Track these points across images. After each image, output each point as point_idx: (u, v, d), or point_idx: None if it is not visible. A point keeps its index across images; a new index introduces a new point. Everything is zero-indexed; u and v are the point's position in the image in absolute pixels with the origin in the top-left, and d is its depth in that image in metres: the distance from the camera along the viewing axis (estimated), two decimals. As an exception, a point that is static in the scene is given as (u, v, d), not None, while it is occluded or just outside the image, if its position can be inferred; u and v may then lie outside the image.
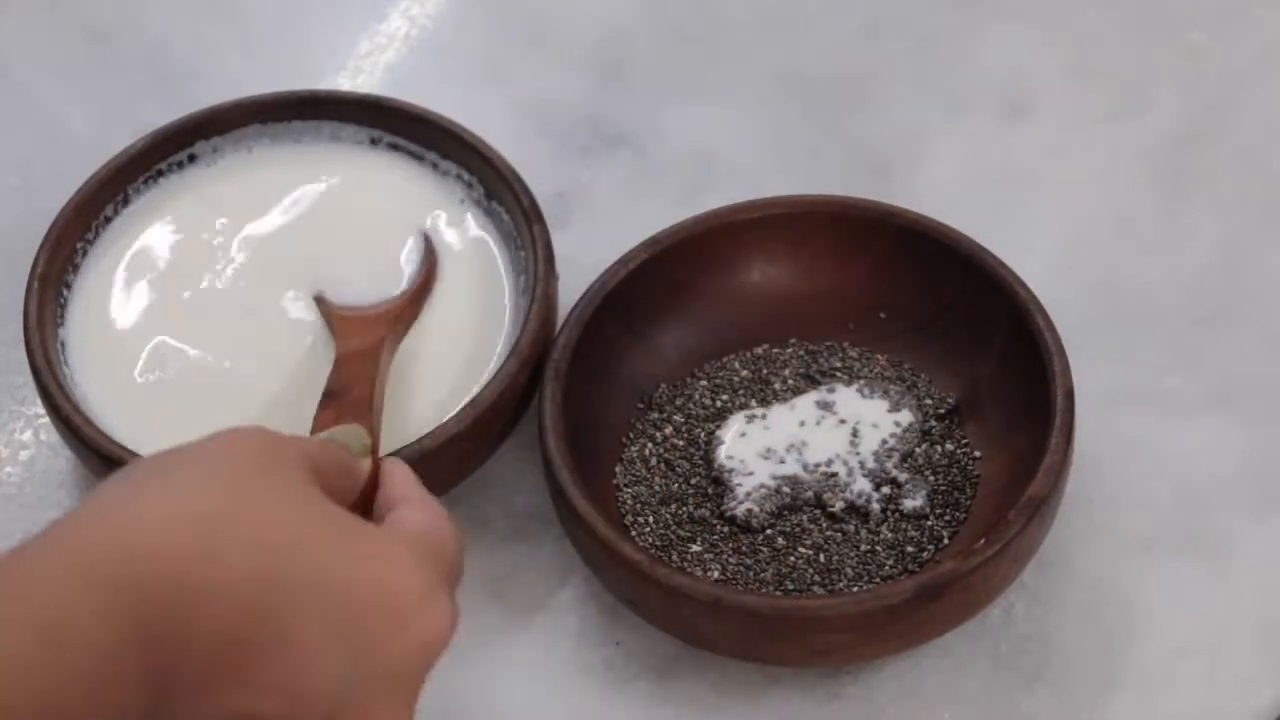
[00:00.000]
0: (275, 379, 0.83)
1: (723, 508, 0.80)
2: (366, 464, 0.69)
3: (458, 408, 0.79)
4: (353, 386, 0.77)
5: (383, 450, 0.77)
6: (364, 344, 0.80)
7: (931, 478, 0.80)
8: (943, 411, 0.82)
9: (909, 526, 0.79)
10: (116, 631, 0.55)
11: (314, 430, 0.75)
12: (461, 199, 0.87)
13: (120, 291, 0.85)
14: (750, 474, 0.80)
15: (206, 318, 0.85)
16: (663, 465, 0.82)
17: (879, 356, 0.84)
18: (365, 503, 0.68)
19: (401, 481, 0.68)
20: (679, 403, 0.83)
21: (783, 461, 0.81)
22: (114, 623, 0.55)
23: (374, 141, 0.88)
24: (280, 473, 0.60)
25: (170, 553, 0.56)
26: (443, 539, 0.63)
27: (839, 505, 0.79)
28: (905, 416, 0.82)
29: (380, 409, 0.76)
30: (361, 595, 0.59)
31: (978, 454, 0.81)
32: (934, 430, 0.82)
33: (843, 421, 0.82)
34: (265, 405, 0.82)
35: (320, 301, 0.84)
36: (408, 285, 0.84)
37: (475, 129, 0.87)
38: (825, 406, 0.82)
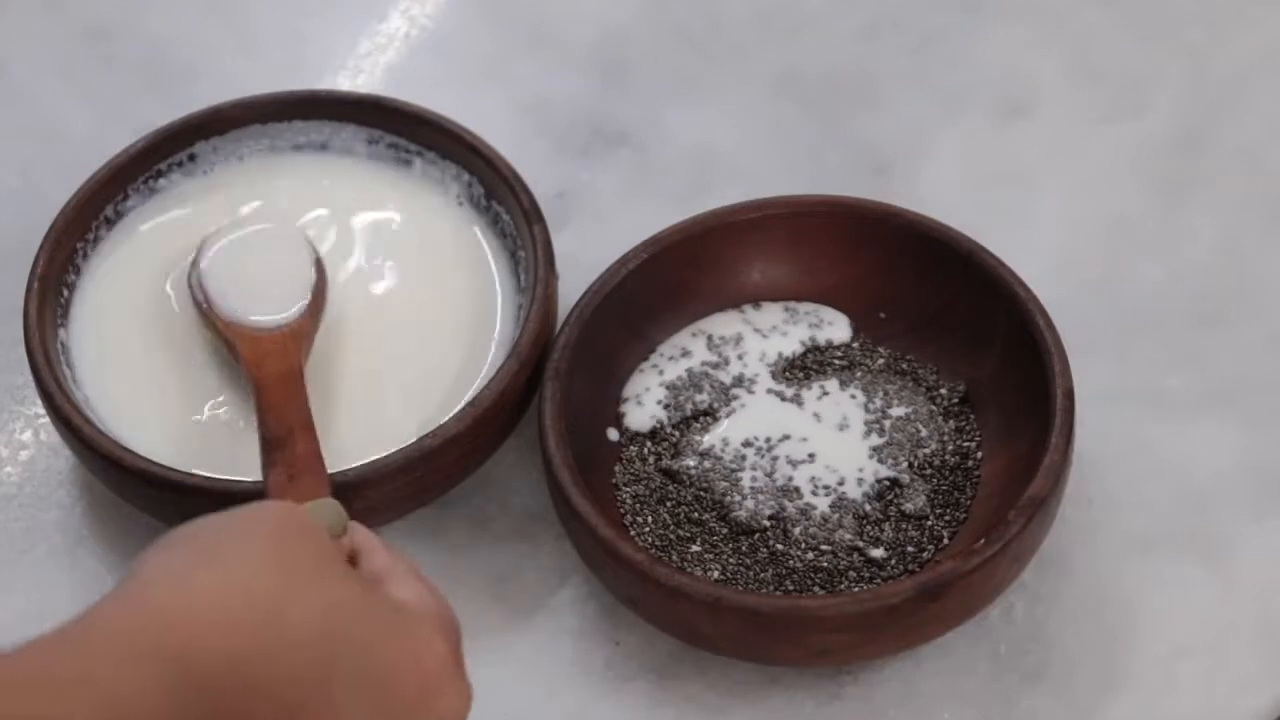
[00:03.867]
0: (275, 379, 0.83)
1: (724, 509, 0.80)
2: (346, 542, 0.68)
3: (457, 408, 0.80)
4: (294, 436, 0.76)
5: (379, 451, 0.78)
6: (285, 370, 0.79)
7: (932, 478, 0.80)
8: (954, 401, 0.82)
9: (909, 526, 0.79)
10: (178, 708, 0.55)
11: (271, 495, 0.74)
12: (461, 199, 0.87)
13: (120, 291, 0.85)
14: (748, 472, 0.81)
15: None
16: (661, 466, 0.82)
17: (880, 349, 0.84)
18: None
19: (377, 552, 0.68)
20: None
21: (785, 462, 0.81)
22: (176, 700, 0.55)
23: (374, 141, 0.88)
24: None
25: (228, 628, 0.57)
26: (447, 612, 0.65)
27: (838, 505, 0.79)
28: (906, 412, 0.82)
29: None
30: (401, 673, 0.60)
31: (980, 454, 0.81)
32: (944, 428, 0.81)
33: (842, 420, 0.82)
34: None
35: (209, 309, 0.82)
36: (305, 301, 0.82)
37: (475, 129, 0.87)
38: (825, 404, 0.82)
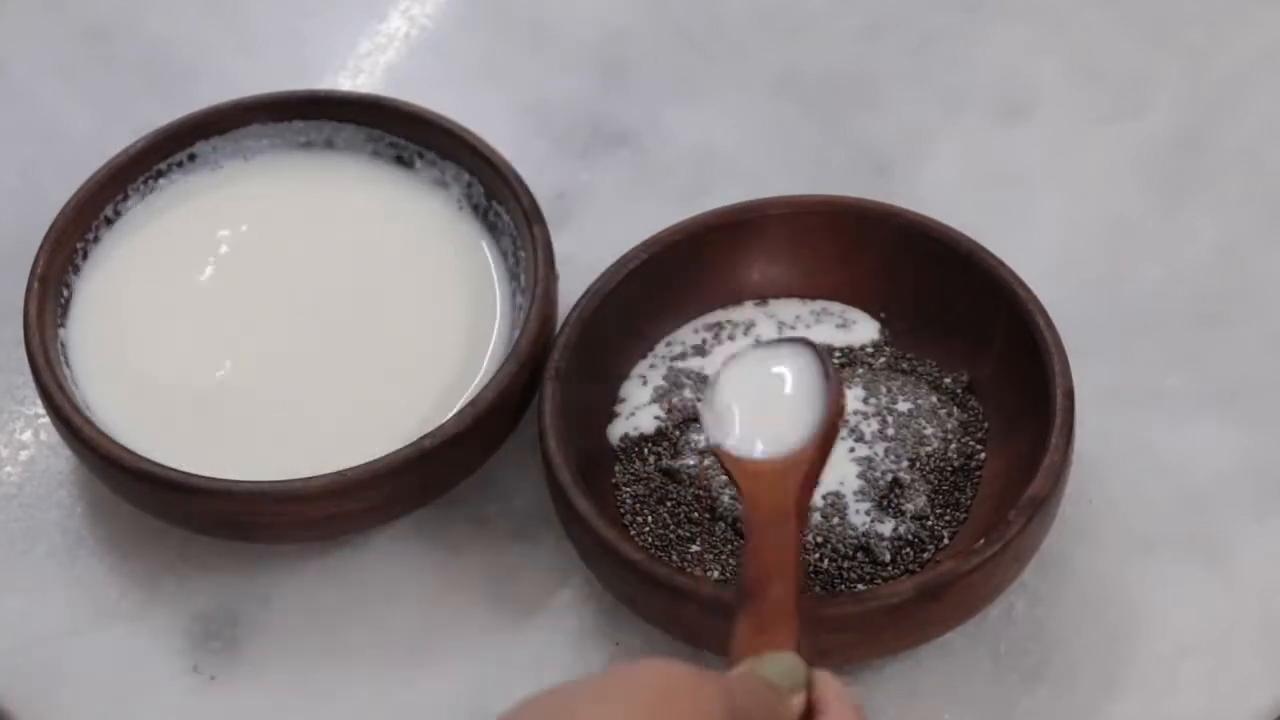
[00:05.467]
0: (274, 379, 0.83)
1: (723, 508, 0.80)
2: (799, 701, 0.62)
3: (457, 408, 0.80)
4: (771, 580, 0.67)
5: (379, 451, 0.78)
6: (777, 508, 0.70)
7: (933, 478, 0.80)
8: (959, 391, 0.82)
9: (909, 526, 0.79)
10: None
11: (736, 644, 0.66)
12: (461, 199, 0.87)
13: (120, 291, 0.85)
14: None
15: (206, 318, 0.85)
16: (661, 465, 0.82)
17: (885, 347, 0.84)
18: None
19: (836, 714, 0.61)
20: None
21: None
22: None
23: (374, 141, 0.88)
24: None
25: None
26: None
27: (837, 505, 0.79)
28: (910, 408, 0.82)
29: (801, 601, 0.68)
30: None
31: (983, 454, 0.81)
32: (948, 423, 0.81)
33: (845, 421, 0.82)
34: (263, 406, 0.82)
35: (719, 450, 0.74)
36: (811, 429, 0.72)
37: (475, 129, 0.87)
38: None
